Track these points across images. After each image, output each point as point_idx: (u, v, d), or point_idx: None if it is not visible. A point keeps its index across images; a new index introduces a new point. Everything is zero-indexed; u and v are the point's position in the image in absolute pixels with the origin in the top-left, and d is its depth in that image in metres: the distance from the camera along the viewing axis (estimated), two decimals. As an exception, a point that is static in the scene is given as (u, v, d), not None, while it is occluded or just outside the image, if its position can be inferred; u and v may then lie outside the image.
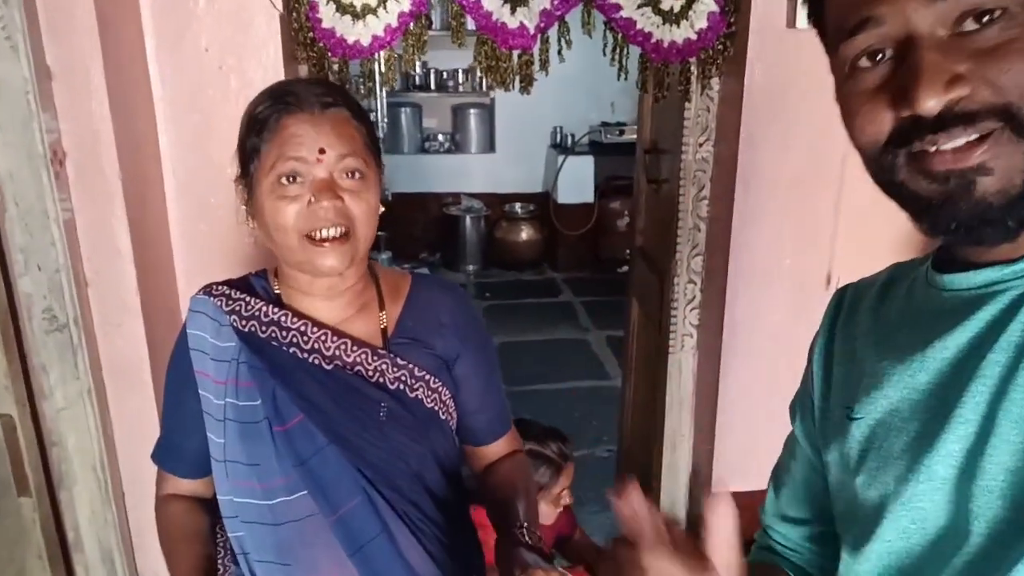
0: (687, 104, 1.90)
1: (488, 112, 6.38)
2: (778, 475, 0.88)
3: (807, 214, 1.83)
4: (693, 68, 1.80)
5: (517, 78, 1.77)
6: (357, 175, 0.97)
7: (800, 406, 0.82)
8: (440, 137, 6.40)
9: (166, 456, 1.12)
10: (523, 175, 6.42)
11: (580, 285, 6.00)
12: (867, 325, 0.72)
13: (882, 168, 0.59)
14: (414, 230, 6.33)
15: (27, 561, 1.58)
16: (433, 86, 6.16)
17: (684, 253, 2.03)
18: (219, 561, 1.09)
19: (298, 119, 0.96)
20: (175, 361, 1.08)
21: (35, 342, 1.44)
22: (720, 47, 1.73)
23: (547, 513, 1.81)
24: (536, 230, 6.27)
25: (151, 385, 1.56)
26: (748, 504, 2.15)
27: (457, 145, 6.46)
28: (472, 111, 6.34)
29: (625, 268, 3.03)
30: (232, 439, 1.02)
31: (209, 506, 1.11)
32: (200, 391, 1.04)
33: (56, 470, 1.52)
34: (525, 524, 1.05)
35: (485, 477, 1.18)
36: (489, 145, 6.44)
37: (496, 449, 1.19)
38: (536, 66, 1.76)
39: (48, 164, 1.36)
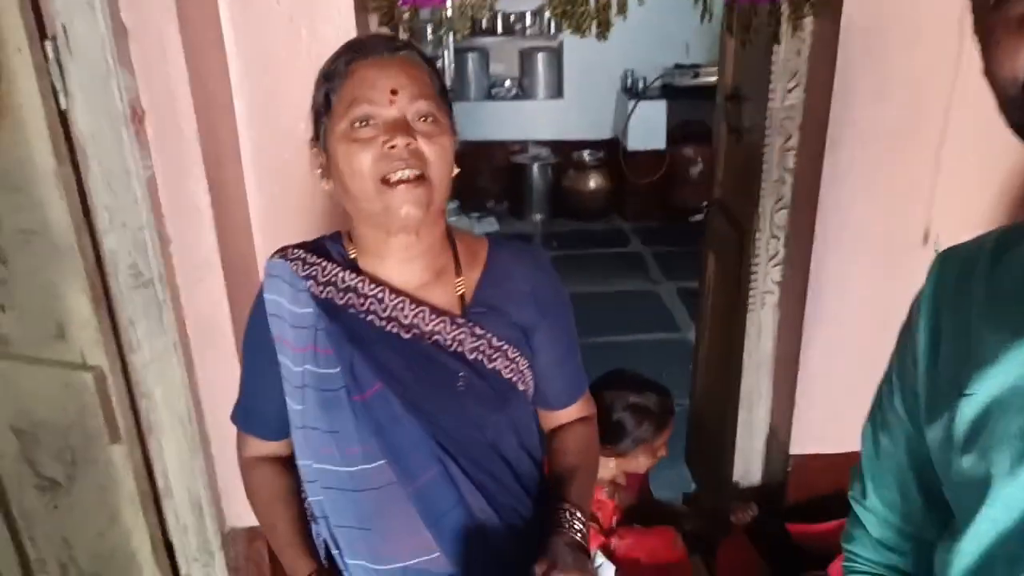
0: (775, 48, 1.78)
1: (556, 56, 6.20)
2: (864, 471, 0.83)
3: (903, 168, 1.71)
4: (783, 8, 1.67)
5: (594, 23, 1.69)
6: (430, 119, 0.94)
7: (899, 380, 0.77)
8: (507, 83, 6.27)
9: (245, 419, 1.14)
10: (591, 121, 6.25)
11: (650, 235, 5.87)
12: (980, 295, 0.67)
13: (1019, 108, 0.54)
14: (480, 179, 6.28)
15: (120, 505, 1.66)
16: (500, 30, 6.01)
17: (767, 207, 1.94)
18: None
19: (367, 63, 0.94)
20: (252, 325, 1.08)
21: (122, 297, 1.48)
22: (815, -15, 1.60)
23: (643, 463, 1.82)
24: (604, 178, 6.13)
25: (232, 340, 1.60)
26: (828, 466, 2.07)
27: (524, 91, 6.32)
28: (539, 55, 6.18)
29: (698, 217, 2.93)
30: (311, 406, 1.02)
31: (294, 466, 1.12)
32: (279, 357, 1.04)
33: (145, 420, 1.58)
34: (573, 508, 1.04)
35: (550, 440, 1.16)
36: (557, 90, 6.28)
37: (568, 413, 1.17)
38: (613, 9, 1.67)
39: (127, 122, 1.37)
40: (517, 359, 1.04)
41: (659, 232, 5.89)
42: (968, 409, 0.63)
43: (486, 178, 6.32)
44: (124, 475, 1.62)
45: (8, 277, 1.52)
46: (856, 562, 0.85)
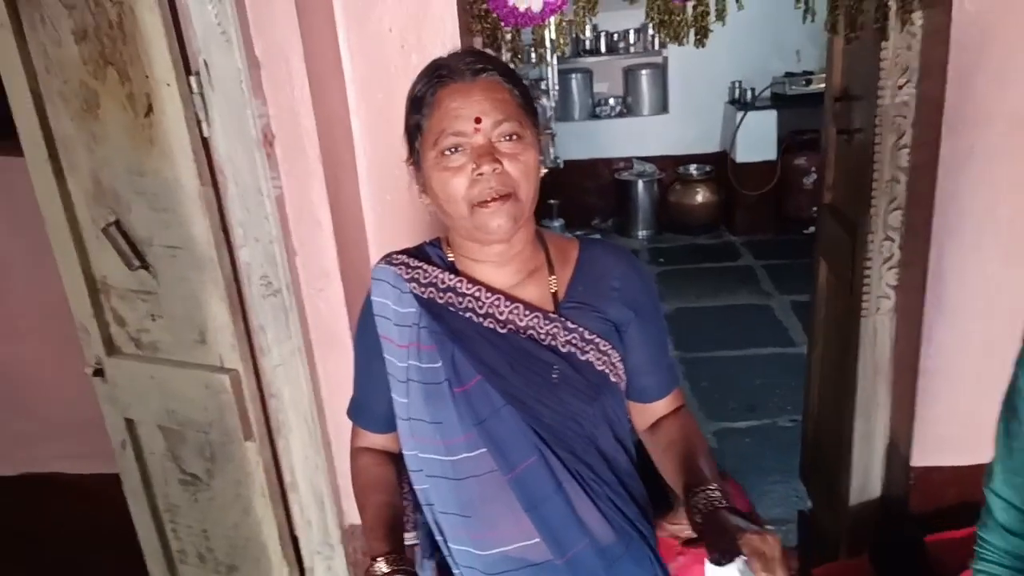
0: (884, 43, 1.73)
1: (661, 71, 6.19)
2: (996, 456, 0.82)
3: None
4: (891, 2, 1.63)
5: (692, 31, 1.71)
6: (514, 137, 1.01)
7: None
8: (611, 101, 6.31)
9: (358, 413, 1.23)
10: (698, 135, 6.19)
11: (761, 248, 5.72)
12: None
13: None
14: (586, 197, 6.33)
15: (252, 497, 1.80)
16: (603, 49, 6.07)
17: (880, 207, 1.87)
18: (407, 510, 1.18)
19: (452, 90, 1.01)
20: (362, 326, 1.17)
21: (254, 306, 1.62)
22: (923, -24, 1.56)
23: None
24: (712, 191, 6.04)
25: (349, 346, 1.70)
26: (953, 479, 1.97)
27: (628, 108, 6.34)
28: (644, 72, 6.19)
29: (812, 229, 2.83)
30: (415, 399, 1.09)
31: (396, 459, 1.20)
32: (385, 354, 1.12)
33: (275, 419, 1.71)
34: (712, 486, 1.01)
35: (654, 436, 1.17)
36: (662, 106, 6.26)
37: (662, 406, 1.18)
38: (712, 16, 1.68)
39: (260, 146, 1.51)
40: (609, 352, 1.08)
41: (770, 245, 5.73)
42: None
43: (592, 196, 6.36)
44: (256, 470, 1.75)
45: (158, 289, 1.70)
46: (985, 549, 0.84)
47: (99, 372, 1.83)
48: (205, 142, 1.53)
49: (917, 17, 1.67)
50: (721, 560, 0.88)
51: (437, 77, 1.03)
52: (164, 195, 1.58)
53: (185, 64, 1.48)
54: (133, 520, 1.99)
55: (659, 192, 6.16)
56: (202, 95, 1.49)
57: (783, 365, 3.90)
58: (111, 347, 1.82)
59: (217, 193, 1.57)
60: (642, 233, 6.20)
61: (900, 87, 1.76)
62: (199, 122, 1.51)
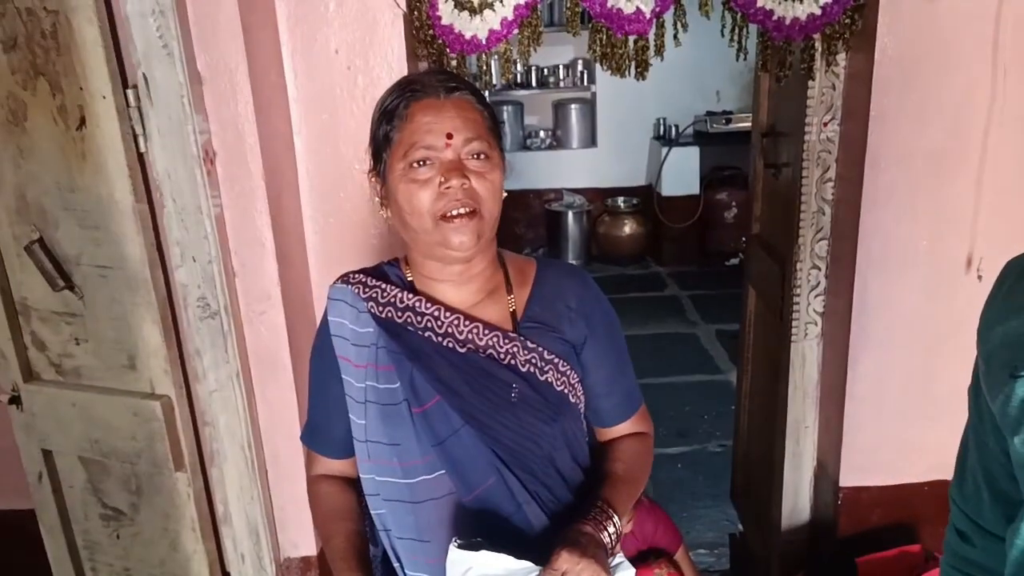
0: (810, 83, 1.84)
1: (590, 107, 6.36)
2: (956, 464, 0.87)
3: (945, 193, 1.73)
4: (817, 45, 1.74)
5: (632, 64, 1.77)
6: (482, 156, 1.02)
7: (975, 376, 0.81)
8: (542, 133, 6.44)
9: (313, 438, 1.19)
10: (625, 169, 6.37)
11: (686, 279, 5.89)
12: None
13: None
14: (517, 227, 6.40)
15: (181, 532, 1.71)
16: (534, 83, 6.20)
17: (807, 238, 1.97)
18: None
19: (425, 105, 1.01)
20: (318, 347, 1.14)
21: (190, 329, 1.56)
22: (847, 21, 1.66)
23: None
24: (639, 224, 6.20)
25: (290, 371, 1.66)
26: (879, 499, 2.04)
27: (558, 141, 6.48)
28: (573, 106, 6.34)
29: (734, 261, 2.95)
30: (373, 420, 1.07)
31: (356, 484, 1.16)
32: (342, 375, 1.10)
33: (208, 448, 1.64)
34: (606, 506, 1.03)
35: (603, 448, 1.19)
36: (591, 140, 6.43)
37: (622, 429, 1.19)
38: (652, 51, 1.75)
39: (200, 163, 1.47)
40: (568, 373, 1.09)
41: (695, 276, 5.91)
42: (1020, 389, 0.66)
43: (522, 226, 6.44)
44: (186, 503, 1.67)
45: (84, 311, 1.61)
46: (946, 553, 0.88)
47: (15, 400, 1.72)
48: (141, 158, 1.48)
49: (841, 59, 1.77)
50: (465, 546, 0.91)
51: (411, 91, 1.03)
52: (95, 212, 1.51)
53: (123, 77, 1.43)
54: (49, 558, 1.85)
55: (588, 223, 6.29)
56: (139, 109, 1.45)
57: (710, 392, 4.01)
58: (29, 373, 1.72)
59: (152, 211, 1.52)
60: (573, 263, 6.29)
61: (825, 124, 1.87)
62: (135, 137, 1.46)
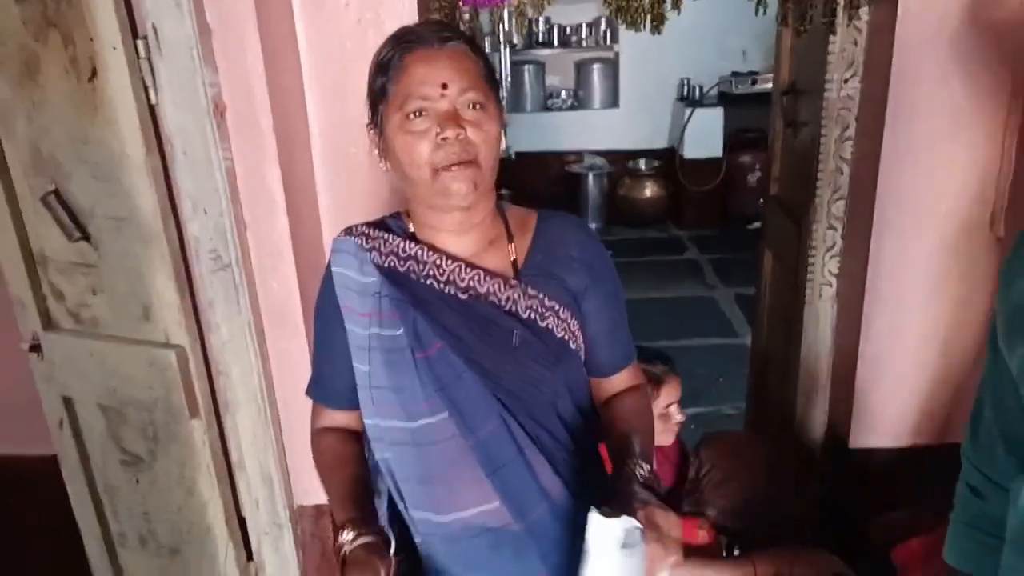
0: (831, 38, 1.79)
1: (612, 66, 6.25)
2: (970, 422, 0.88)
3: (967, 151, 1.69)
4: (839, -2, 1.69)
5: (648, 17, 1.73)
6: (478, 106, 1.01)
7: (991, 332, 0.82)
8: (563, 94, 6.36)
9: (318, 390, 1.21)
10: (647, 130, 6.28)
11: (706, 243, 5.84)
12: None
13: None
14: (536, 189, 6.34)
15: (197, 478, 1.76)
16: (556, 42, 6.11)
17: (824, 198, 1.94)
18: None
19: (419, 56, 1.01)
20: (323, 298, 1.16)
21: (203, 281, 1.58)
22: (870, -28, 1.62)
23: (658, 429, 1.79)
24: (660, 187, 6.14)
25: (302, 322, 1.68)
26: (890, 461, 2.02)
27: (580, 102, 6.39)
28: (595, 66, 6.25)
29: (756, 225, 2.91)
30: (377, 367, 1.08)
31: (360, 437, 1.19)
32: (347, 324, 1.11)
33: (222, 397, 1.67)
34: (640, 461, 1.05)
35: (604, 410, 1.19)
36: (612, 100, 6.34)
37: (618, 382, 1.20)
38: (668, 4, 1.71)
39: (211, 116, 1.47)
40: (568, 320, 1.09)
41: (715, 239, 5.86)
42: None
43: (542, 188, 6.38)
44: (201, 450, 1.71)
45: (99, 262, 1.64)
46: (956, 509, 0.90)
47: (35, 348, 1.76)
48: (153, 110, 1.49)
49: (864, 13, 1.73)
50: (610, 513, 0.91)
51: (405, 42, 1.02)
52: (108, 164, 1.53)
53: (133, 28, 1.43)
54: (71, 503, 1.92)
55: (608, 186, 6.23)
56: (150, 60, 1.44)
57: (726, 355, 4.00)
58: (48, 322, 1.76)
59: (164, 164, 1.53)
60: (592, 226, 6.25)
61: (846, 81, 1.82)
62: (146, 89, 1.46)
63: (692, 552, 1.79)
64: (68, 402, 1.81)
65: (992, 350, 0.80)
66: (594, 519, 0.91)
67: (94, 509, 1.92)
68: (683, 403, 1.97)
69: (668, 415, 1.82)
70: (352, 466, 1.15)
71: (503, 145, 1.07)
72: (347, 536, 1.00)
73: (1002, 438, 0.80)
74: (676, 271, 5.34)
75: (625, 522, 0.90)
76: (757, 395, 2.73)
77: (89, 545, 1.97)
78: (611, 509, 0.92)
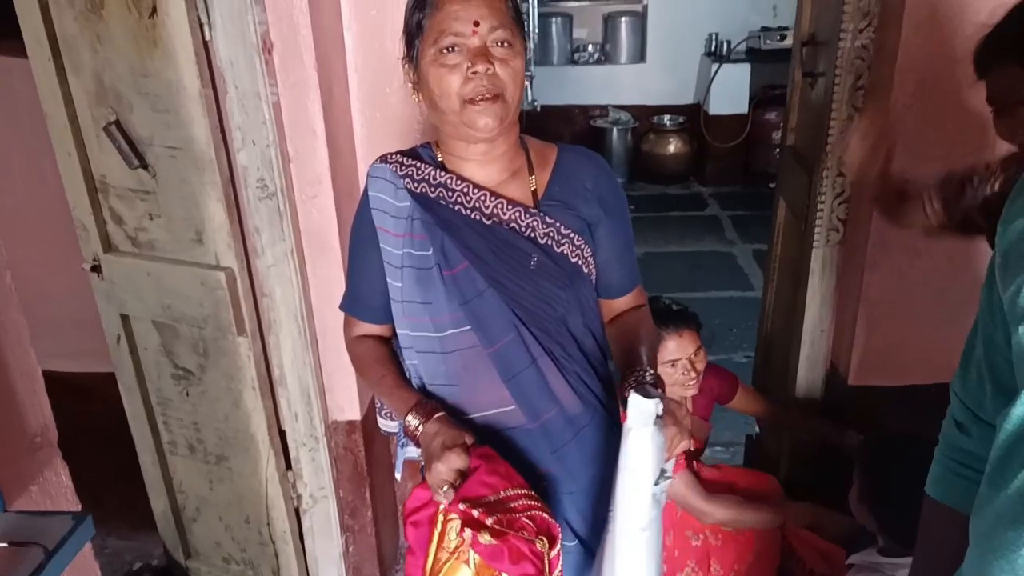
0: (849, -12, 1.86)
1: (640, 20, 6.24)
2: (961, 359, 0.90)
3: (974, 101, 1.76)
4: (857, -51, 1.75)
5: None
6: (506, 44, 1.12)
7: (989, 271, 0.83)
8: (590, 47, 6.36)
9: (353, 304, 1.34)
10: (674, 85, 6.28)
11: (728, 199, 5.89)
12: None
13: None
14: (561, 142, 6.40)
15: (243, 391, 1.92)
16: (585, -6, 6.10)
17: (835, 145, 2.02)
18: None
19: None
20: (359, 220, 1.28)
21: (250, 208, 1.72)
22: (888, -77, 1.67)
23: (681, 381, 1.93)
24: (684, 142, 6.16)
25: (338, 250, 1.82)
26: (887, 398, 2.13)
27: (607, 55, 6.40)
28: (623, 19, 6.24)
29: (778, 180, 2.94)
30: (409, 282, 1.22)
31: (390, 344, 1.33)
32: (381, 244, 1.24)
33: (266, 317, 1.82)
34: (646, 366, 1.18)
35: (612, 326, 1.32)
36: (640, 55, 6.33)
37: (624, 302, 1.32)
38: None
39: (259, 52, 1.59)
40: (582, 247, 1.22)
41: (737, 196, 5.90)
42: None
43: (566, 141, 6.39)
44: (247, 365, 1.87)
45: (156, 189, 1.78)
46: (941, 443, 0.94)
47: (96, 268, 1.92)
48: (206, 45, 1.60)
49: (881, -37, 1.79)
50: (651, 394, 1.06)
51: None
52: (165, 96, 1.66)
53: (189, -33, 1.54)
54: (127, 413, 2.09)
55: (633, 141, 6.27)
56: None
57: (741, 307, 4.10)
58: (108, 245, 1.91)
59: (216, 97, 1.65)
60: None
61: (860, 31, 1.89)
62: (201, 26, 1.58)
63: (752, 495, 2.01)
64: (125, 319, 1.98)
65: (987, 288, 0.82)
66: (634, 398, 1.05)
67: (147, 419, 2.09)
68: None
69: (688, 364, 1.94)
70: (395, 362, 1.30)
71: (528, 97, 1.17)
72: (414, 419, 1.16)
73: (990, 374, 0.82)
74: (697, 226, 5.42)
75: (658, 401, 1.05)
76: (765, 342, 2.84)
77: (142, 453, 2.15)
78: (643, 390, 1.07)
